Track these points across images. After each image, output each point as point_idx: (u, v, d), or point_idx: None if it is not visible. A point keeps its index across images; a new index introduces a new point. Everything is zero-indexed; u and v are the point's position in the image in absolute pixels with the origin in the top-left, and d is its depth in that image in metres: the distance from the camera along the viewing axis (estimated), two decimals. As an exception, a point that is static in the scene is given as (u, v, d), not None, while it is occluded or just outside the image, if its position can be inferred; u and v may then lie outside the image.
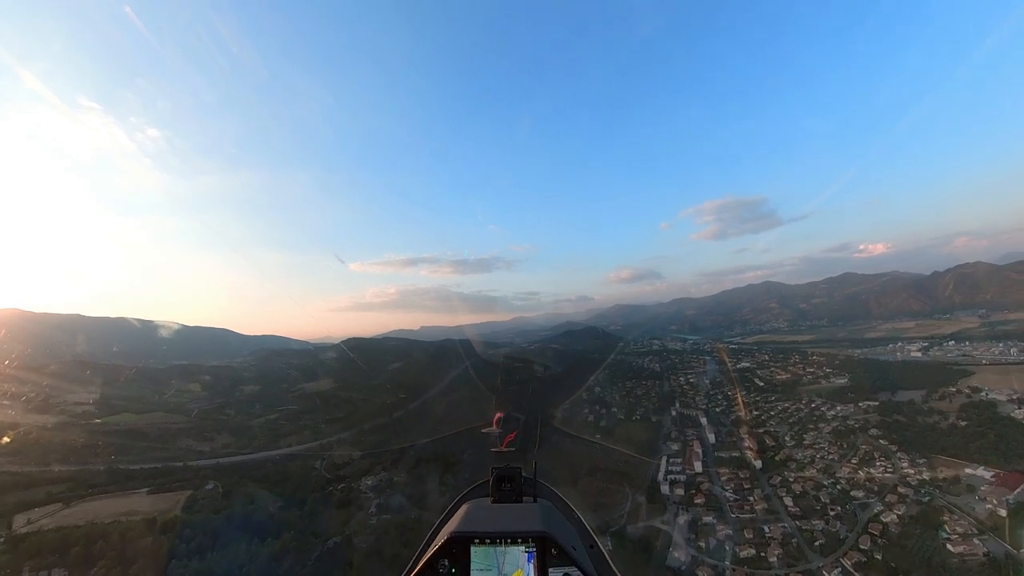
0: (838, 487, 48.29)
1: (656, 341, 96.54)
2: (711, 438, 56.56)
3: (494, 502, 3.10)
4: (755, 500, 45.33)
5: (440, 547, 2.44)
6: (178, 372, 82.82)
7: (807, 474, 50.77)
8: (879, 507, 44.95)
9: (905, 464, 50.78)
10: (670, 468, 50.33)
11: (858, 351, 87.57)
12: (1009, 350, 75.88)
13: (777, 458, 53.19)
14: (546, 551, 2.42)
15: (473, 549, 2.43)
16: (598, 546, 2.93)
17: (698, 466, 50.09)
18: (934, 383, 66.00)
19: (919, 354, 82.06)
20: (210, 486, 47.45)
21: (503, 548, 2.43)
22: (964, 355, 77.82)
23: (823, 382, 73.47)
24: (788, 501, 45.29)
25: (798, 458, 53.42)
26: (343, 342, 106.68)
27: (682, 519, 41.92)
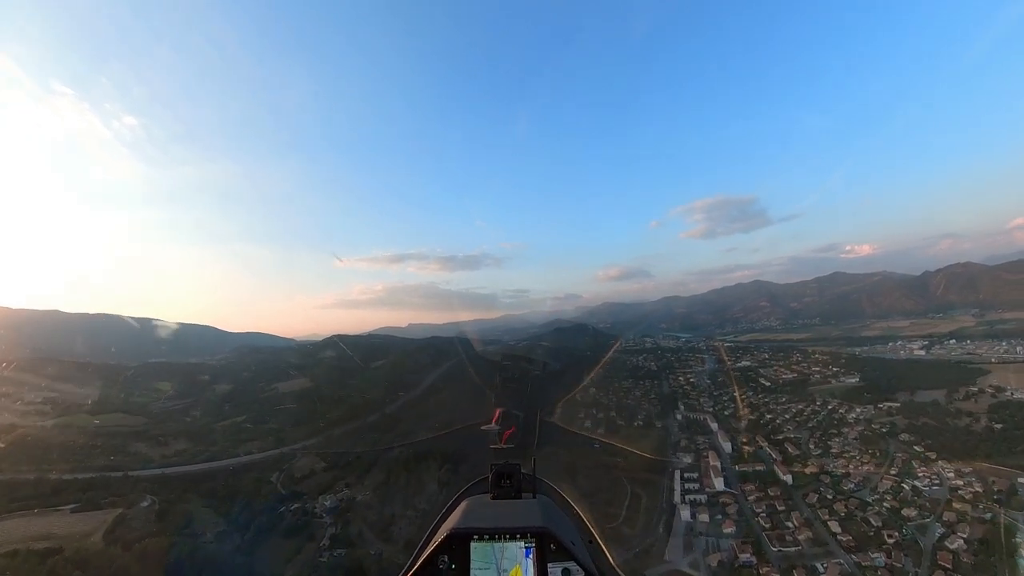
0: (885, 505, 39.98)
1: (648, 339, 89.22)
2: (727, 447, 47.40)
3: (494, 498, 3.04)
4: (796, 527, 36.06)
5: (440, 543, 2.41)
6: (151, 370, 76.74)
7: (845, 488, 42.30)
8: (940, 529, 36.91)
9: (950, 474, 43.37)
10: (686, 486, 40.53)
11: (858, 349, 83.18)
12: (1015, 348, 72.24)
13: (807, 470, 44.52)
14: (545, 546, 2.38)
15: (473, 545, 2.40)
16: (597, 541, 2.89)
17: (719, 483, 40.54)
18: (952, 382, 60.87)
19: (922, 352, 78.14)
20: (146, 503, 41.02)
21: (502, 544, 2.39)
22: (969, 353, 73.99)
23: (833, 382, 67.09)
24: (834, 526, 36.29)
25: (830, 470, 45.00)
26: (326, 339, 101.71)
27: (713, 558, 31.93)
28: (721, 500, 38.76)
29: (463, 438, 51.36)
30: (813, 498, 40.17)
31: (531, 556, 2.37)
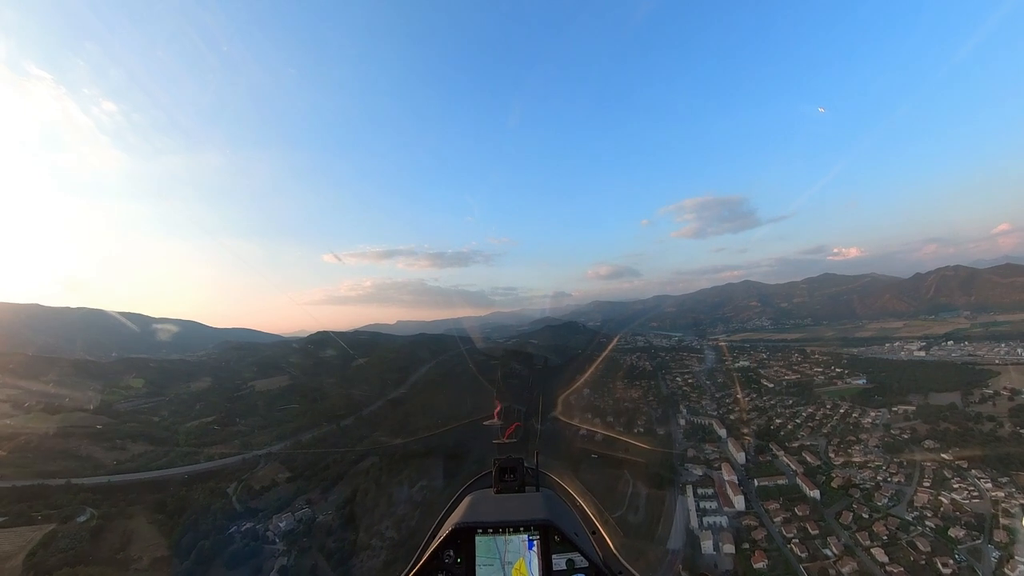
0: (928, 524, 34.30)
1: (640, 337, 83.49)
2: (740, 458, 41.04)
3: (497, 492, 3.03)
4: (836, 556, 29.72)
5: (445, 538, 2.40)
6: (127, 366, 73.04)
7: (879, 505, 36.45)
8: (994, 553, 31.32)
9: (987, 484, 38.40)
10: (701, 505, 33.71)
11: (855, 350, 79.77)
12: (1015, 350, 69.85)
13: (833, 484, 38.62)
14: (549, 538, 2.38)
15: (477, 539, 2.39)
16: (600, 532, 2.87)
17: (739, 502, 33.92)
18: (963, 384, 57.42)
19: (922, 353, 75.03)
20: (84, 517, 37.16)
21: (506, 537, 2.38)
22: (970, 355, 71.28)
23: (839, 383, 62.54)
24: (879, 554, 30.17)
25: (858, 482, 39.22)
26: (310, 336, 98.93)
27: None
28: (744, 523, 32.08)
29: (446, 443, 46.71)
30: (847, 518, 34.08)
31: (535, 548, 2.34)
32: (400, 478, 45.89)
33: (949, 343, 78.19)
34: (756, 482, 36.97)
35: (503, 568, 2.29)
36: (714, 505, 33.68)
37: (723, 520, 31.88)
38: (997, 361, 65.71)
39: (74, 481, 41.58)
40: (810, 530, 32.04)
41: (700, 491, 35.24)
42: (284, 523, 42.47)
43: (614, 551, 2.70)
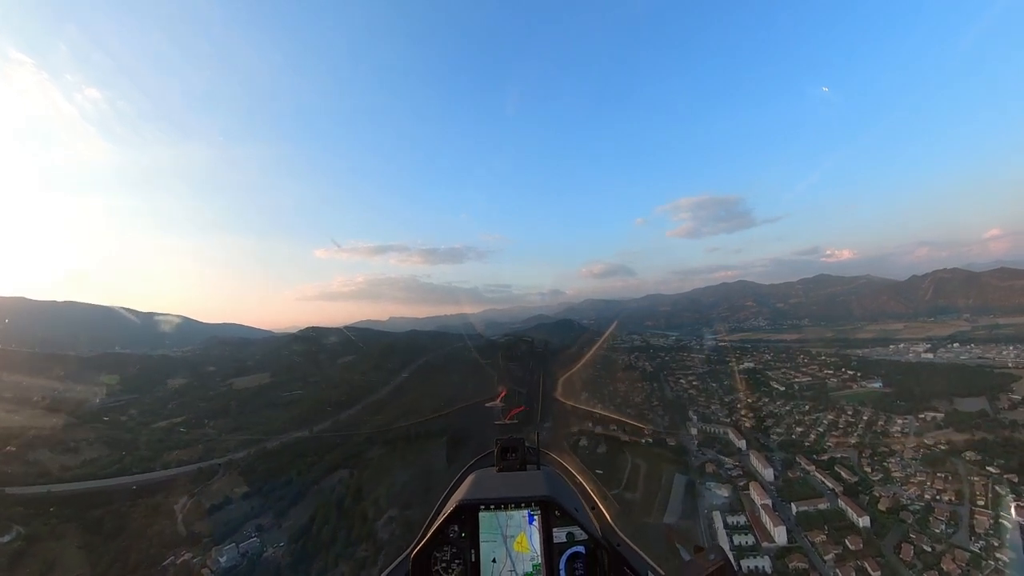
0: (999, 557, 28.39)
1: (636, 336, 77.52)
2: (767, 474, 34.45)
3: (499, 471, 3.11)
4: (913, 607, 23.10)
5: (450, 514, 2.50)
6: (106, 362, 70.10)
7: (936, 531, 30.43)
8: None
9: (1048, 505, 32.71)
10: (736, 541, 26.70)
11: (859, 351, 75.79)
12: (1024, 352, 66.62)
13: (881, 507, 32.42)
14: (550, 513, 2.47)
15: (481, 515, 2.47)
16: (599, 508, 2.99)
17: (779, 534, 27.12)
18: (986, 388, 53.12)
19: (930, 356, 71.49)
20: (9, 536, 33.01)
21: (508, 512, 2.47)
22: (980, 357, 68.04)
23: (854, 386, 57.55)
24: (961, 601, 23.73)
25: (906, 503, 33.21)
26: (297, 332, 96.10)
27: None
28: (792, 564, 25.26)
29: (428, 457, 41.98)
30: (908, 552, 27.76)
31: (535, 523, 2.42)
32: (365, 504, 39.37)
33: (955, 345, 75.01)
34: (795, 507, 30.38)
35: (505, 542, 2.36)
36: (751, 540, 26.88)
37: (766, 564, 25.01)
38: (1010, 364, 62.33)
39: (10, 491, 37.52)
40: (870, 571, 25.52)
41: (731, 520, 28.37)
42: (225, 557, 35.92)
43: (612, 525, 2.77)
